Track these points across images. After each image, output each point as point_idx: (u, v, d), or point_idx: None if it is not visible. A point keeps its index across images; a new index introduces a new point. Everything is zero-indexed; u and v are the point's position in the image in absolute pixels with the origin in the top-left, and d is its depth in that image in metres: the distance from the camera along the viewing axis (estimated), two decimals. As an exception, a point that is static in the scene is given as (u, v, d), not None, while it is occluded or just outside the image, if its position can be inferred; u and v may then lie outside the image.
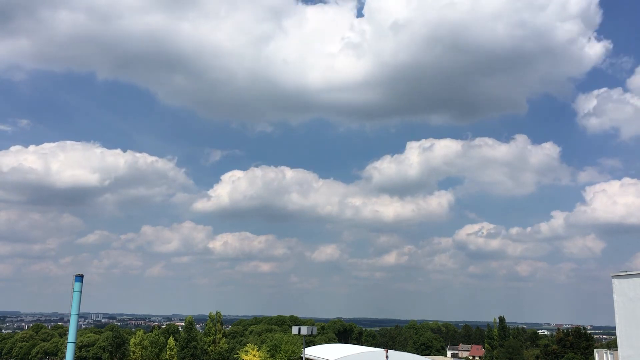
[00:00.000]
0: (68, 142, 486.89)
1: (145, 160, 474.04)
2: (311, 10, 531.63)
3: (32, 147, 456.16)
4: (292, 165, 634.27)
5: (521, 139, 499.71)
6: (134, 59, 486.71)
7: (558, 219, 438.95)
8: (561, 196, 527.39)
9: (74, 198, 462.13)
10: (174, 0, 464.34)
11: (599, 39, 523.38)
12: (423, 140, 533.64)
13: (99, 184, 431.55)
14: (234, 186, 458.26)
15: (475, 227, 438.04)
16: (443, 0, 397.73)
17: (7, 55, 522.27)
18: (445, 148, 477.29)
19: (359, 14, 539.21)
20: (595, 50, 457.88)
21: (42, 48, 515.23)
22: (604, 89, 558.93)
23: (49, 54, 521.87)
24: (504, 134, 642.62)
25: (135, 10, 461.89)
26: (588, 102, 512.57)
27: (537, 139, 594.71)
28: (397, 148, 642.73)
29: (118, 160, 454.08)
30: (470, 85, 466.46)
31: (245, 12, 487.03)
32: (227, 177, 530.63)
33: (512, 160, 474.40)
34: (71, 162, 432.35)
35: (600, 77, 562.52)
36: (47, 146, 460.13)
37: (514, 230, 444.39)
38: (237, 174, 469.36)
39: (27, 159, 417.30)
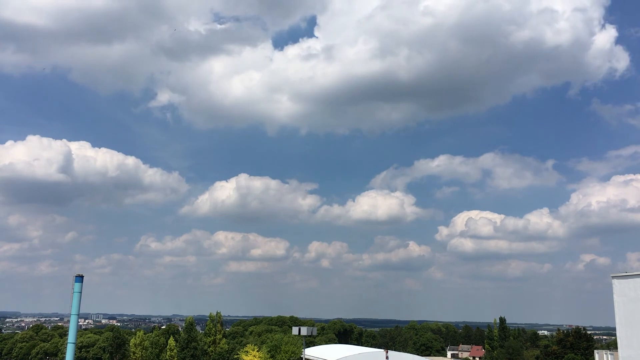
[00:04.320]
0: (70, 142, 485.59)
1: (146, 163, 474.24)
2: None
3: (35, 146, 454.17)
4: (293, 168, 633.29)
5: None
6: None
7: (558, 219, 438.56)
8: (561, 196, 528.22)
9: (76, 198, 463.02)
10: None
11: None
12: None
13: (99, 185, 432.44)
14: (235, 188, 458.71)
15: (476, 227, 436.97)
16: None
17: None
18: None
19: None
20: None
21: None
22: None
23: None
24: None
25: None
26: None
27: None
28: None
29: (120, 162, 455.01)
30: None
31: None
32: (229, 179, 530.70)
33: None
34: (73, 162, 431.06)
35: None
36: (49, 146, 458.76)
37: (515, 231, 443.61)
38: (239, 177, 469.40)
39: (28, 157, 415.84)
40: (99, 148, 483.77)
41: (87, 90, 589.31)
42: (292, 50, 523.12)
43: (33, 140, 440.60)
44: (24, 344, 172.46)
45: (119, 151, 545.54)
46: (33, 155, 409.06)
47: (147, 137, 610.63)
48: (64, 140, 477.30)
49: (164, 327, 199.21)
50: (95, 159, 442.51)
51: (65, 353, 72.62)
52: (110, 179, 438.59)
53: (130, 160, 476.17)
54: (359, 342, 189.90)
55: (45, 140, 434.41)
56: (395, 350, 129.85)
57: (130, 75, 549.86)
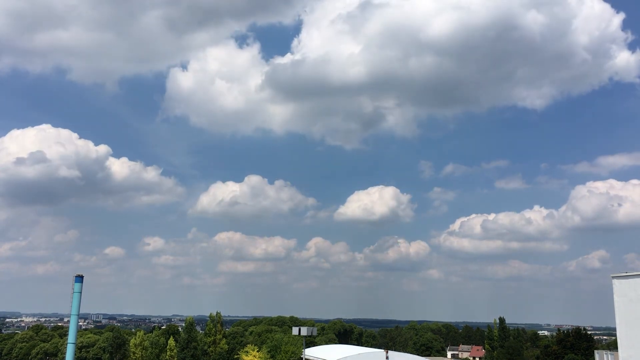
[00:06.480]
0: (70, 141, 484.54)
1: (146, 162, 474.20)
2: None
3: (37, 146, 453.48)
4: (295, 168, 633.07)
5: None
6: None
7: (558, 219, 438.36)
8: (561, 197, 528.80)
9: (76, 197, 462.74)
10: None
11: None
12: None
13: (99, 185, 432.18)
14: (235, 188, 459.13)
15: (476, 227, 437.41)
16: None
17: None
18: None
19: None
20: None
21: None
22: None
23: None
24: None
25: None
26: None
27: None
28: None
29: (120, 163, 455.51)
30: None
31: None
32: (229, 180, 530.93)
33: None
34: (73, 162, 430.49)
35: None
36: (49, 145, 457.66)
37: (515, 231, 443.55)
38: (240, 177, 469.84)
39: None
40: (99, 148, 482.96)
41: (84, 87, 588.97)
42: (283, 50, 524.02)
43: (30, 138, 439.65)
44: (24, 344, 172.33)
45: (119, 151, 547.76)
46: (32, 153, 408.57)
47: (147, 136, 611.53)
48: (63, 137, 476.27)
49: (164, 327, 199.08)
50: (96, 158, 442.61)
51: (65, 353, 72.68)
52: (110, 178, 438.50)
53: (131, 160, 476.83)
54: (359, 342, 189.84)
55: (43, 137, 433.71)
56: (395, 350, 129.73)
57: (129, 75, 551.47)
